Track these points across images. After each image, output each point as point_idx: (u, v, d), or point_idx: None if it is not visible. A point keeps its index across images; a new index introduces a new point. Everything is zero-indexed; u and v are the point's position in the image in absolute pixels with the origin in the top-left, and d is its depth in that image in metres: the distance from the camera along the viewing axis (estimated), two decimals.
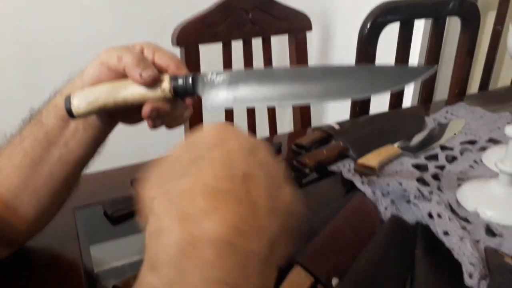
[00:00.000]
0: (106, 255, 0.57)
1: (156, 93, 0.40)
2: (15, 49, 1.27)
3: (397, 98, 1.16)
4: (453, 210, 0.60)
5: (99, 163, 0.53)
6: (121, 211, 0.61)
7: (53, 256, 0.55)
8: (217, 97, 0.42)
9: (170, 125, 0.45)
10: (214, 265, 0.23)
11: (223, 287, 0.22)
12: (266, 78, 0.41)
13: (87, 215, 0.63)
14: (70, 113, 0.42)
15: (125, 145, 1.05)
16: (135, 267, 0.48)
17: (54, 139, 0.45)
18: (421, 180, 0.67)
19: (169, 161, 0.28)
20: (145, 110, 0.41)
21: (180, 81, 0.40)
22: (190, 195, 0.24)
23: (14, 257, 0.52)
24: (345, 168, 0.72)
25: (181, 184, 0.25)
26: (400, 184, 0.61)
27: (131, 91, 0.41)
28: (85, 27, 1.32)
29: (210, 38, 0.95)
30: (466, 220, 0.58)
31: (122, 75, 0.42)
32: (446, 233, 0.52)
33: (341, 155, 0.75)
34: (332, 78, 0.42)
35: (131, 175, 0.64)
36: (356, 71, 0.43)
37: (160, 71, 0.42)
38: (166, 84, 0.40)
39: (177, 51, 0.96)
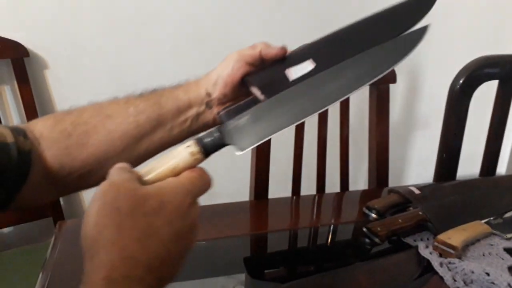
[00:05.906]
0: None
1: (186, 159, 0.37)
2: (111, 88, 1.36)
3: (490, 163, 1.04)
4: None
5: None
6: None
7: None
8: (246, 139, 0.40)
9: None
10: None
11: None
12: (283, 100, 0.41)
13: None
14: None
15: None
16: None
17: (164, 121, 0.50)
18: None
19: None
20: None
21: (208, 139, 0.38)
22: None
23: None
24: (423, 242, 0.64)
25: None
26: (488, 274, 0.53)
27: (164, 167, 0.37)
28: (173, 66, 1.39)
29: None
30: None
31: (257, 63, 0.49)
32: None
33: (419, 226, 0.69)
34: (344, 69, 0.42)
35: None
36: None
37: (221, 103, 0.50)
38: (193, 148, 0.37)
39: None
